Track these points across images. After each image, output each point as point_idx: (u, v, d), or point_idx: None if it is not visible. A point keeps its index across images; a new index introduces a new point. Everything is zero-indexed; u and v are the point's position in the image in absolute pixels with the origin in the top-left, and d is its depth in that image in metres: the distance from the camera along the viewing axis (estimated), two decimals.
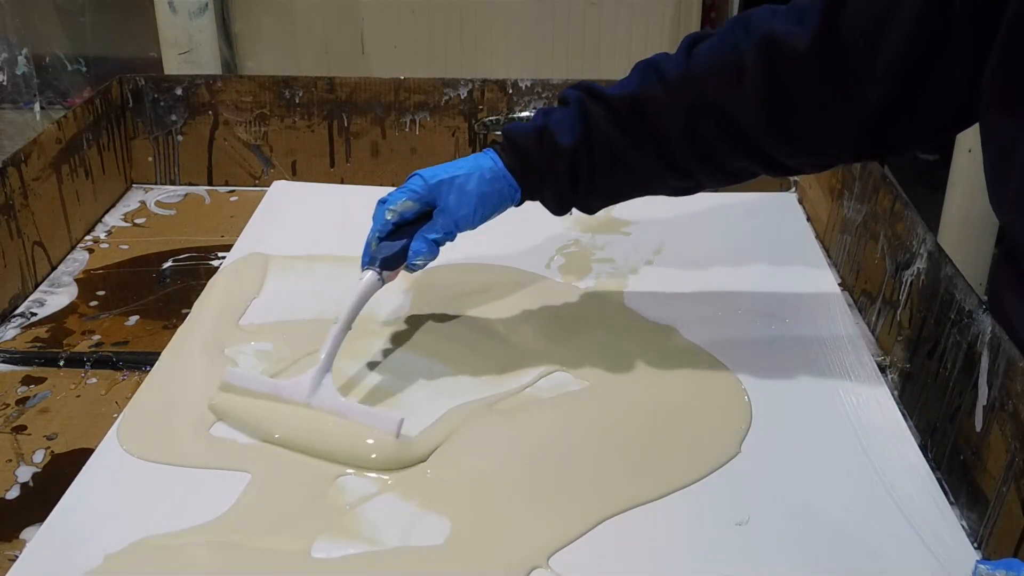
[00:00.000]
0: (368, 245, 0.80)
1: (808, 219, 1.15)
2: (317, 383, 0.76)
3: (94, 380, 0.84)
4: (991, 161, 0.69)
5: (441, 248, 0.81)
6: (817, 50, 0.73)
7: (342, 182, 1.24)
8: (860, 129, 0.75)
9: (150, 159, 1.25)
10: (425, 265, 0.80)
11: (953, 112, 0.73)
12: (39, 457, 0.75)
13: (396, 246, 0.79)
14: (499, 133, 0.83)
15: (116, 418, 0.78)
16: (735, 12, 2.21)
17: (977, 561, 0.47)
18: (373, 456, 0.72)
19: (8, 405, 0.81)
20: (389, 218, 0.80)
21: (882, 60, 0.71)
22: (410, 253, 0.80)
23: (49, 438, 0.77)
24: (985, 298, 0.74)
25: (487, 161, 0.81)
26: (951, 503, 0.71)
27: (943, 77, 0.70)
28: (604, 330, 0.91)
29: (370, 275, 0.79)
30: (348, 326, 0.78)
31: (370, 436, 0.73)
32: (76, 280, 1.02)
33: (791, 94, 0.75)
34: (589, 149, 0.80)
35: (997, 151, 0.69)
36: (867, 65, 0.72)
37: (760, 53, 0.75)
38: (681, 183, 0.83)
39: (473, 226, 0.81)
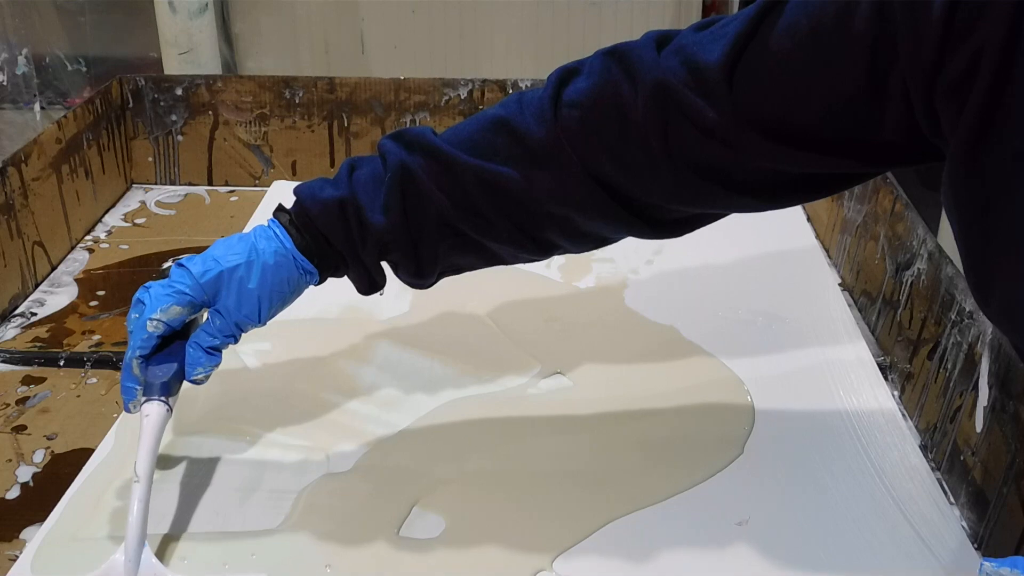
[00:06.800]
0: (128, 367, 0.64)
1: (808, 219, 1.14)
2: (135, 564, 0.60)
3: (94, 380, 0.84)
4: (967, 263, 0.55)
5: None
6: (729, 125, 0.58)
7: None
8: (773, 189, 0.63)
9: (150, 159, 1.25)
10: (209, 375, 0.66)
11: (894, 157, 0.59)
12: (39, 457, 0.75)
13: (170, 368, 0.64)
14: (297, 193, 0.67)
15: (116, 418, 0.78)
16: (735, 11, 2.21)
17: (983, 559, 0.47)
18: None
19: (8, 405, 0.81)
20: (152, 330, 0.63)
21: (803, 129, 0.57)
22: (187, 367, 0.65)
23: (49, 438, 0.77)
24: None
25: (270, 243, 0.66)
26: (951, 503, 0.71)
27: (877, 139, 0.56)
28: (604, 330, 0.91)
29: (156, 408, 0.63)
30: (150, 480, 0.62)
31: None
32: (76, 280, 1.02)
33: (693, 157, 0.61)
34: (411, 230, 0.65)
35: (971, 257, 0.55)
36: (784, 135, 0.58)
37: (652, 108, 0.60)
38: (539, 256, 0.70)
39: (261, 324, 0.66)
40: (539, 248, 0.68)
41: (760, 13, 0.58)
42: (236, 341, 0.66)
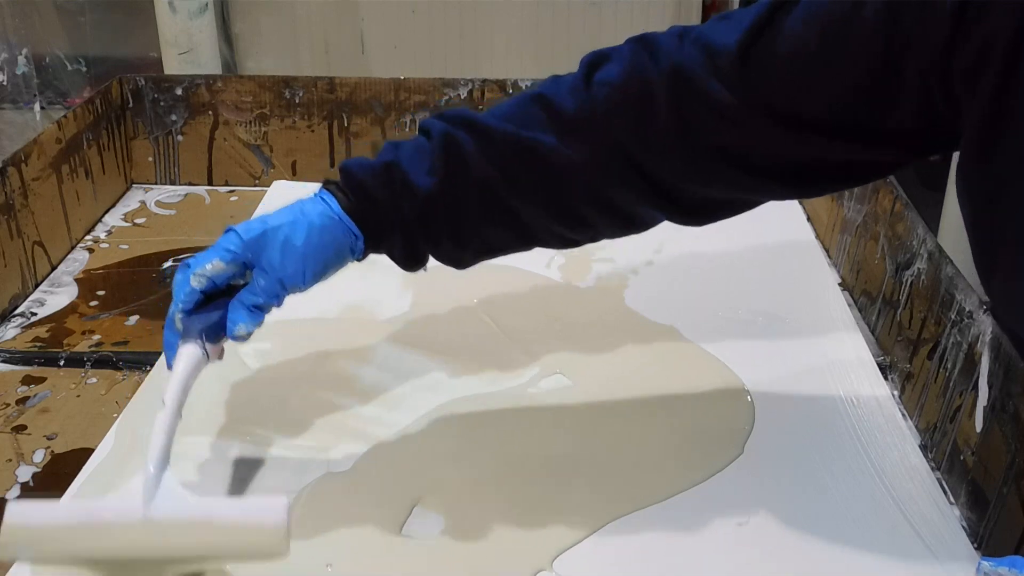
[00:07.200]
0: (171, 322, 0.65)
1: (808, 219, 1.14)
2: (153, 488, 0.59)
3: (94, 380, 0.84)
4: (975, 252, 0.57)
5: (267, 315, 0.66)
6: (741, 108, 0.61)
7: None
8: (792, 175, 0.64)
9: (150, 159, 1.25)
10: (250, 336, 0.65)
11: (904, 150, 0.61)
12: (39, 457, 0.75)
13: (211, 317, 0.64)
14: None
15: (116, 418, 0.78)
16: None
17: (981, 558, 0.47)
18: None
19: (8, 405, 0.81)
20: (196, 285, 0.63)
21: (815, 116, 0.59)
22: (229, 323, 0.64)
23: (49, 438, 0.77)
24: (986, 299, 0.74)
25: (318, 205, 0.66)
26: (951, 503, 0.71)
27: (890, 125, 0.58)
28: (604, 330, 0.91)
29: (191, 348, 0.63)
30: (178, 413, 0.62)
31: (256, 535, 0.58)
32: (76, 280, 1.02)
33: (710, 139, 0.63)
34: (453, 196, 0.66)
35: (978, 246, 0.57)
36: (795, 121, 0.60)
37: (672, 90, 0.62)
38: (573, 236, 0.70)
39: (304, 286, 0.66)
40: (572, 221, 0.68)
41: (776, 3, 0.59)
42: (279, 303, 0.65)
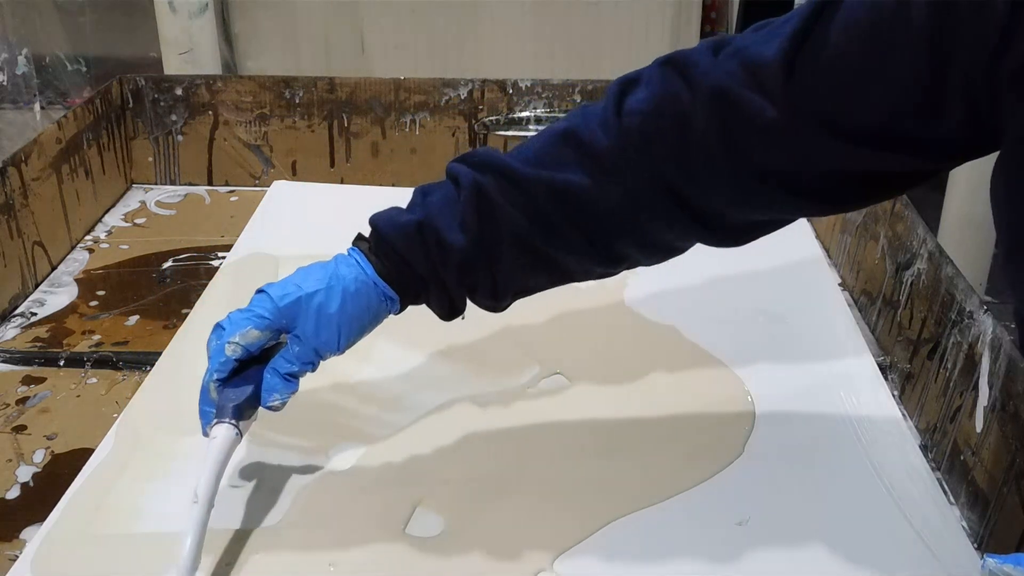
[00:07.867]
0: (205, 391, 0.64)
1: (808, 219, 1.14)
2: None
3: (94, 380, 0.84)
4: (1011, 252, 0.56)
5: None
6: (787, 122, 0.59)
7: (342, 182, 1.24)
8: (836, 190, 0.62)
9: (150, 159, 1.25)
10: (286, 403, 0.65)
11: (951, 159, 0.60)
12: (39, 457, 0.75)
13: (244, 392, 0.63)
14: (377, 222, 0.67)
15: (116, 418, 0.78)
16: (735, 11, 2.21)
17: (986, 555, 0.47)
18: None
19: (8, 405, 0.81)
20: (230, 354, 0.63)
21: (863, 125, 0.58)
22: (263, 393, 0.64)
23: (49, 438, 0.77)
24: (986, 298, 0.74)
25: (351, 269, 0.65)
26: (951, 503, 0.71)
27: (938, 133, 0.56)
28: (604, 330, 0.91)
29: (224, 431, 0.62)
30: (211, 503, 0.60)
31: None
32: (76, 280, 1.02)
33: (756, 159, 0.61)
34: (489, 248, 0.65)
35: (1014, 252, 0.55)
36: (843, 132, 0.58)
37: (712, 111, 0.60)
38: (610, 272, 0.69)
39: (340, 351, 0.66)
40: (610, 260, 0.67)
41: (817, 9, 0.58)
42: (314, 369, 0.65)
